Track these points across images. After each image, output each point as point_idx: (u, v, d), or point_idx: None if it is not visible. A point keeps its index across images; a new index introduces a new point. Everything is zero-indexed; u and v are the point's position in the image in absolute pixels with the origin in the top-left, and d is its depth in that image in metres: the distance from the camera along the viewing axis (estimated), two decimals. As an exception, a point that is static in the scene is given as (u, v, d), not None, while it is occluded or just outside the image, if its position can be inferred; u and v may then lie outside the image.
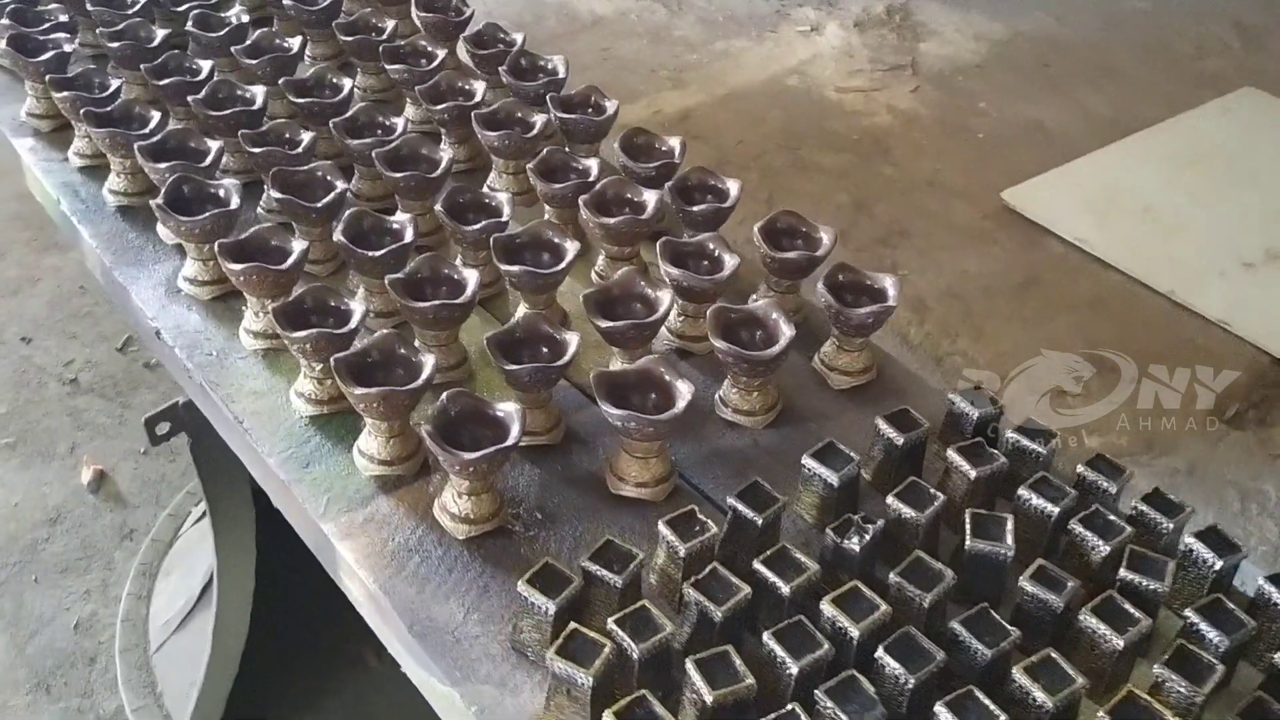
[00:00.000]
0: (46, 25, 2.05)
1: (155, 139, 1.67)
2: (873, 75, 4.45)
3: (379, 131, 1.68)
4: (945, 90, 4.37)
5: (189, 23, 2.03)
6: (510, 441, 1.12)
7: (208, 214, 1.51)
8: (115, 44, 1.96)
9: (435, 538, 1.21)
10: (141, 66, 1.89)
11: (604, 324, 1.32)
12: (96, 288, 3.46)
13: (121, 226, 1.79)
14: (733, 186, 1.58)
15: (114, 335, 3.26)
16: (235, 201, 1.52)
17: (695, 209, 1.53)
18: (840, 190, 3.75)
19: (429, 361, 1.22)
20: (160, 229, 1.73)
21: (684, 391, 1.20)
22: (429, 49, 1.95)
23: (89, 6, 2.07)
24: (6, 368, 3.15)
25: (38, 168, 1.95)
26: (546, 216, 1.60)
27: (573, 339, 1.27)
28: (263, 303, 1.46)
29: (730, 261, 1.42)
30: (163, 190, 1.55)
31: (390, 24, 2.04)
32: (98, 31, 1.98)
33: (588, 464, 1.32)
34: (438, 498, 1.23)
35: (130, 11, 2.08)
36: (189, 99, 1.79)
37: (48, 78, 1.86)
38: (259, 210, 1.70)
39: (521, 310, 1.42)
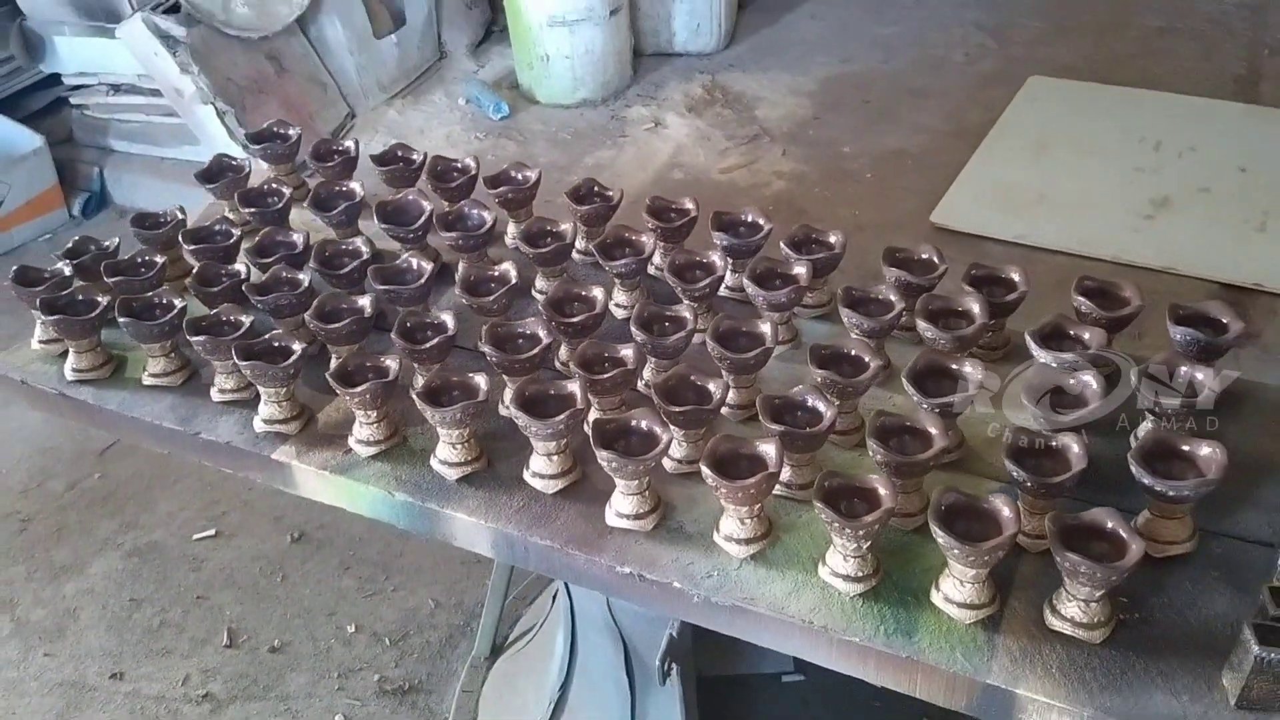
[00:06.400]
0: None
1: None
2: (740, 150, 4.80)
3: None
4: (807, 146, 4.78)
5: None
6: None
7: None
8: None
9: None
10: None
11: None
12: (148, 593, 3.11)
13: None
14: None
15: (211, 634, 2.96)
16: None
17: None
18: (796, 257, 4.03)
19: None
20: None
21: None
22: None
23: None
24: (121, 717, 2.78)
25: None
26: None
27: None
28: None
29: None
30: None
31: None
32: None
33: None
34: None
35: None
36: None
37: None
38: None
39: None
